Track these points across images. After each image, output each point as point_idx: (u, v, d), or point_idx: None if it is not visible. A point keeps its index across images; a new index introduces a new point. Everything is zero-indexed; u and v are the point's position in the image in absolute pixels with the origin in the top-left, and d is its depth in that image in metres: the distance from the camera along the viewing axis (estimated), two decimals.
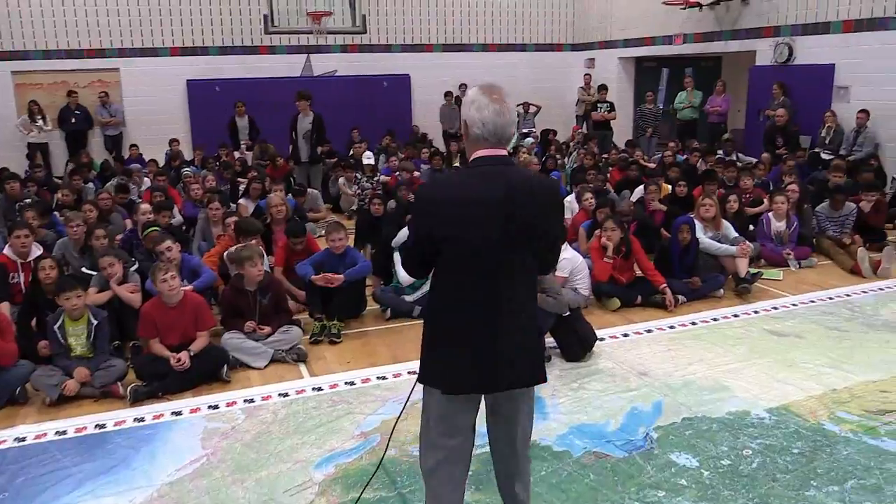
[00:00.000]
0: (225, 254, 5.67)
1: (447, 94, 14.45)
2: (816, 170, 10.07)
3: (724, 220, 6.63)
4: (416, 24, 15.02)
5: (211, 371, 4.54)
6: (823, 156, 10.39)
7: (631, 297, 5.85)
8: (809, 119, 10.92)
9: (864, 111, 10.03)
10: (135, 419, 4.10)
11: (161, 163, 11.36)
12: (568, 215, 7.51)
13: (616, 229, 5.89)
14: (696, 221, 6.40)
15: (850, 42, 10.40)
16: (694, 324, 5.52)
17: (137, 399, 4.26)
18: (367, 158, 9.62)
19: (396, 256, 5.76)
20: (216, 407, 4.23)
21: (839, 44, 10.56)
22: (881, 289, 6.28)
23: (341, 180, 9.69)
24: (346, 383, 4.54)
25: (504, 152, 2.39)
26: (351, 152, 12.22)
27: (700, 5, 12.49)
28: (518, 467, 2.70)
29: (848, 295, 6.13)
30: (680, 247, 6.06)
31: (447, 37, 15.37)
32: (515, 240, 2.34)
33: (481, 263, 2.34)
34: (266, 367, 4.78)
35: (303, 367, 4.80)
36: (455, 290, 2.39)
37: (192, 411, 4.19)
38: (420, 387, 2.60)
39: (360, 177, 9.21)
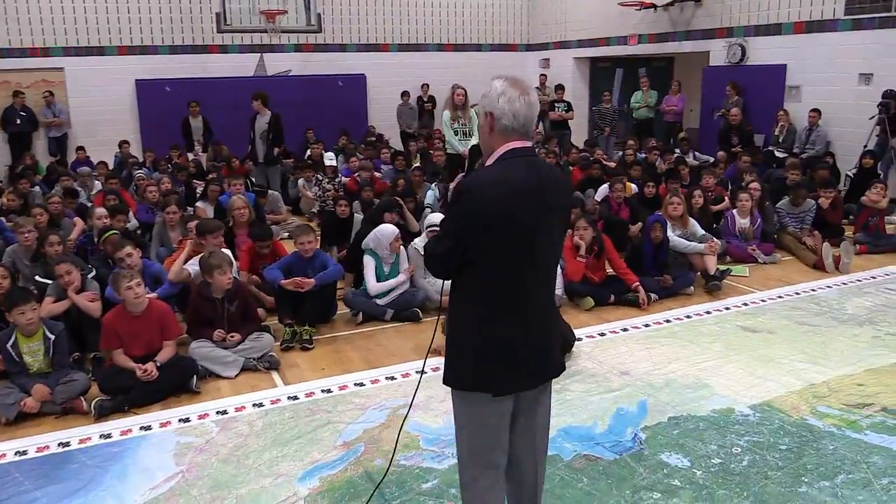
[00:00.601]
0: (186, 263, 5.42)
1: (404, 94, 14.32)
2: (771, 168, 10.28)
3: (690, 218, 6.68)
4: (372, 23, 14.84)
5: (179, 382, 4.33)
6: (777, 154, 10.61)
7: (604, 295, 5.83)
8: (762, 118, 11.15)
9: (816, 110, 10.28)
10: (101, 435, 3.87)
11: (111, 165, 10.93)
12: None
13: (588, 228, 5.86)
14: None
15: (801, 43, 10.64)
16: (668, 321, 5.53)
17: (103, 414, 4.03)
18: (329, 160, 9.44)
19: (367, 259, 5.62)
20: (187, 420, 4.03)
21: (790, 45, 10.81)
22: (843, 283, 6.40)
23: (301, 182, 9.49)
24: (322, 391, 4.38)
25: (531, 144, 2.33)
26: (308, 153, 12.00)
27: (655, 6, 12.64)
28: (537, 489, 2.59)
29: (813, 290, 6.23)
30: (652, 245, 6.07)
31: (403, 37, 15.24)
32: (551, 229, 2.35)
33: (527, 254, 2.29)
34: (237, 376, 4.59)
35: (276, 376, 4.62)
36: (501, 286, 2.29)
37: (163, 425, 3.98)
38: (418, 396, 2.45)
39: (321, 178, 9.01)
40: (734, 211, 7.25)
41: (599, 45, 14.90)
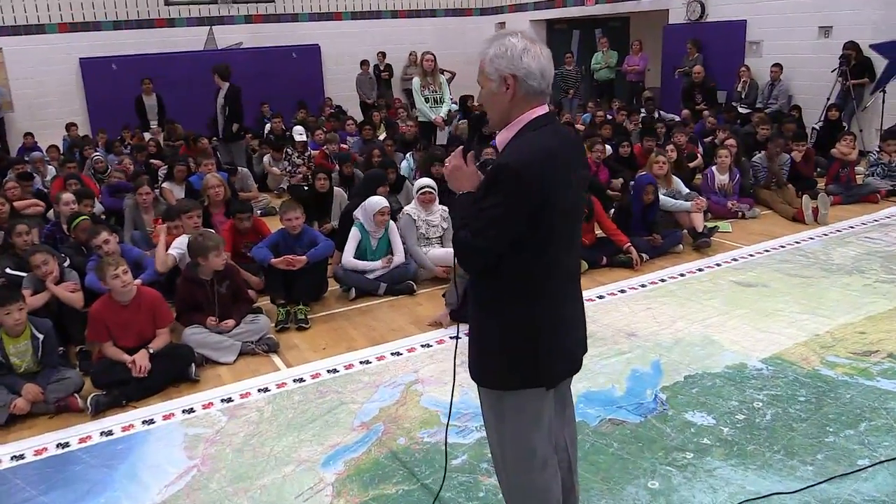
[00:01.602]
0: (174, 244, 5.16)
1: (363, 63, 13.99)
2: (735, 124, 10.36)
3: (674, 177, 6.67)
4: None
5: (177, 371, 4.13)
6: (741, 110, 10.69)
7: (596, 258, 5.78)
8: (724, 74, 11.21)
9: (777, 65, 10.37)
10: (101, 433, 3.66)
11: (61, 149, 10.40)
12: None
13: None
14: None
15: None
16: (663, 280, 5.52)
17: (99, 410, 3.81)
18: (299, 135, 9.13)
19: (353, 231, 5.45)
20: (192, 410, 3.85)
21: (750, 0, 10.83)
22: (825, 234, 6.49)
23: (266, 158, 9.19)
24: (328, 371, 4.23)
25: (550, 107, 2.15)
26: (268, 128, 11.65)
27: None
28: (572, 464, 2.48)
29: (797, 242, 6.30)
30: (642, 205, 6.04)
31: (356, 4, 14.82)
32: (581, 198, 2.21)
33: (568, 231, 2.11)
34: (235, 361, 4.41)
35: (276, 358, 4.45)
36: (548, 270, 2.08)
37: (166, 418, 3.79)
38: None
39: (290, 153, 8.72)
40: (713, 168, 7.27)
41: (556, 7, 14.77)
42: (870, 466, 3.08)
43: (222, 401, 3.94)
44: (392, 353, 4.44)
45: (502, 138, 2.10)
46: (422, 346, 4.55)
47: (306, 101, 13.25)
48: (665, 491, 2.98)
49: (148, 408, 3.89)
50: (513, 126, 2.07)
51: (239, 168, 7.91)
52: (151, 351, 4.05)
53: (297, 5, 14.16)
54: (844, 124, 9.12)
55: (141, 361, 3.95)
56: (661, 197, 6.24)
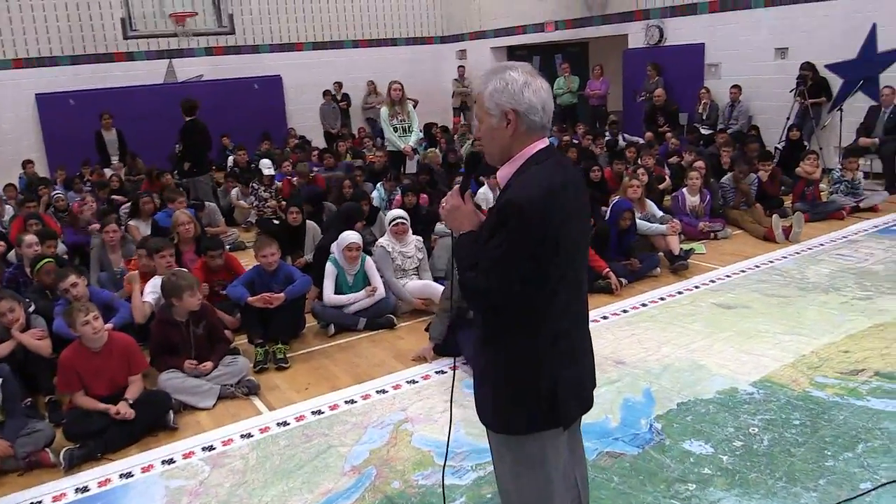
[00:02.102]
0: (149, 284, 4.99)
1: (326, 93, 13.95)
2: (699, 145, 10.52)
3: (647, 200, 6.71)
4: (284, 22, 14.36)
5: (154, 419, 3.95)
6: (703, 131, 10.87)
7: None
8: (685, 96, 11.42)
9: (737, 86, 10.59)
10: (77, 489, 3.47)
11: (18, 187, 10.07)
12: (486, 208, 7.36)
13: None
14: None
15: (717, 21, 10.95)
16: (644, 305, 5.51)
17: (73, 464, 3.61)
18: (267, 168, 8.99)
19: (329, 267, 5.33)
20: (172, 461, 3.67)
21: (707, 23, 11.10)
22: (796, 252, 6.57)
23: (234, 191, 9.02)
24: (313, 413, 4.09)
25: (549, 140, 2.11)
26: (231, 160, 11.49)
27: None
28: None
29: (771, 261, 6.36)
30: (619, 230, 6.04)
31: (317, 34, 14.81)
32: (587, 233, 2.15)
33: (577, 267, 2.07)
34: (214, 405, 4.24)
35: (257, 401, 4.29)
36: (559, 308, 2.01)
37: (145, 470, 3.61)
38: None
39: (256, 186, 8.58)
40: (684, 190, 7.34)
41: (516, 34, 14.94)
42: (873, 490, 3.06)
43: (203, 449, 3.77)
44: (377, 391, 4.32)
45: (504, 174, 2.04)
46: (407, 382, 4.43)
47: (270, 132, 13.12)
48: None
49: (125, 460, 3.70)
50: (515, 161, 2.02)
51: (206, 203, 7.73)
52: (130, 402, 3.87)
53: (258, 36, 14.09)
54: (805, 143, 9.32)
55: (123, 410, 3.77)
56: (638, 221, 6.25)
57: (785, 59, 10.13)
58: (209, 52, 13.54)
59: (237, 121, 13.09)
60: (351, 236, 5.25)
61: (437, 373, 4.54)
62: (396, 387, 4.37)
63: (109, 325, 4.33)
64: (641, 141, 11.11)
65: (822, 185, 8.44)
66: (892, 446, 3.37)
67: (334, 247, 5.33)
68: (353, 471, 3.47)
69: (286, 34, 14.39)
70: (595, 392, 3.56)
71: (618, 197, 6.72)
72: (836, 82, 9.62)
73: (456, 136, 12.69)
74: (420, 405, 4.11)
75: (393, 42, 15.84)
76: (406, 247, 5.71)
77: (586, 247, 2.15)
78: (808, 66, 9.57)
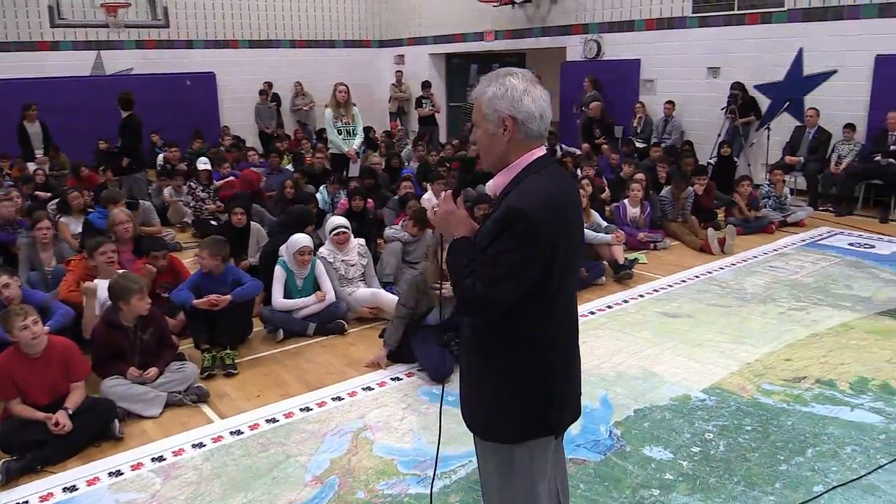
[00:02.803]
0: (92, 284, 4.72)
1: (262, 93, 13.64)
2: (634, 158, 10.81)
3: (591, 210, 6.83)
4: (220, 18, 13.97)
5: (98, 429, 3.74)
6: (637, 144, 11.17)
7: None
8: (621, 110, 11.71)
9: (670, 102, 10.94)
10: None
11: None
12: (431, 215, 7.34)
13: None
14: None
15: (654, 39, 11.28)
16: (593, 313, 5.59)
17: (11, 478, 3.37)
18: (203, 164, 8.70)
19: (278, 271, 5.19)
20: (119, 473, 3.47)
21: (644, 40, 11.42)
22: (733, 264, 6.82)
23: (167, 190, 8.70)
24: (267, 421, 3.96)
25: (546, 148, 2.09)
26: (161, 158, 11.09)
27: (513, 3, 12.88)
28: None
29: (709, 272, 6.58)
30: None
31: (253, 32, 14.48)
32: (582, 241, 2.15)
33: (572, 274, 2.07)
34: (161, 414, 4.05)
35: (207, 409, 4.12)
36: (556, 316, 2.02)
37: (90, 483, 3.40)
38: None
39: (194, 186, 8.29)
40: (625, 201, 7.51)
41: (455, 41, 15.01)
42: (825, 493, 3.18)
43: (153, 459, 3.59)
44: (333, 399, 4.22)
45: (499, 182, 2.02)
46: (363, 389, 4.35)
47: (202, 129, 12.75)
48: None
49: (68, 472, 3.48)
50: (511, 169, 2.00)
51: (140, 202, 7.42)
52: (70, 411, 3.65)
53: (192, 31, 13.67)
54: (736, 159, 9.70)
55: (62, 420, 3.55)
56: (585, 231, 6.34)
57: (717, 78, 10.53)
58: (140, 45, 13.03)
59: (168, 118, 12.65)
60: (303, 240, 5.13)
61: (392, 380, 4.48)
62: (352, 394, 4.28)
63: (46, 329, 4.07)
64: (578, 152, 11.33)
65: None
66: (838, 451, 3.52)
67: (283, 250, 5.20)
68: (314, 481, 3.37)
69: (221, 31, 14.01)
70: None
71: None
72: (764, 102, 10.05)
73: (395, 141, 12.64)
74: (378, 413, 4.04)
75: (331, 44, 15.65)
76: (348, 255, 5.61)
77: (580, 257, 2.15)
78: (738, 86, 9.97)
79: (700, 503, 3.13)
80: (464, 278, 1.92)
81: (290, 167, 10.04)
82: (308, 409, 4.09)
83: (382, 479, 3.38)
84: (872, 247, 7.29)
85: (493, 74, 2.01)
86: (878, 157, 8.52)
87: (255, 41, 14.49)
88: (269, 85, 14.06)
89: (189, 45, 13.66)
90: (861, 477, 3.29)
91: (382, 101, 15.72)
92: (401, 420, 3.94)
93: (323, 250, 5.58)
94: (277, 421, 3.96)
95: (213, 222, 7.90)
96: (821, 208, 8.94)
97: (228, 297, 4.76)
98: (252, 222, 6.42)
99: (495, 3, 13.09)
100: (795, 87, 9.66)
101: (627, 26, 11.65)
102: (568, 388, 2.11)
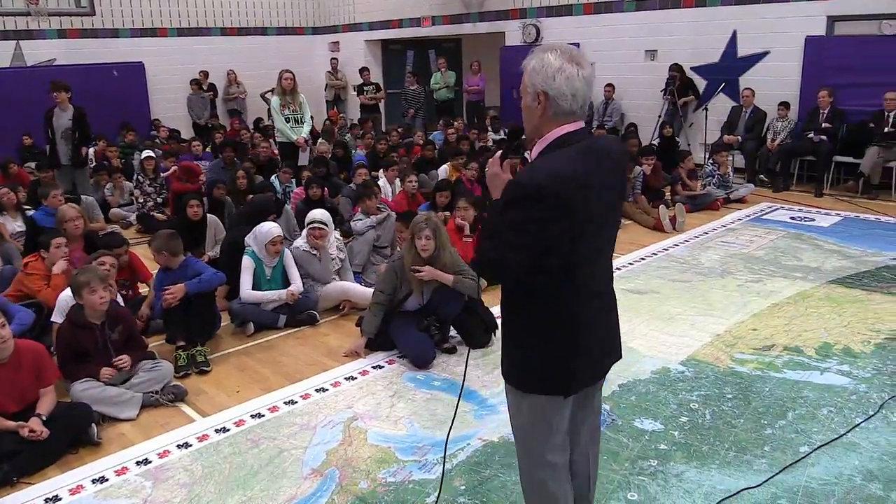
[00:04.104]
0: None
1: (195, 82, 13.19)
2: None
3: None
4: (147, 6, 13.39)
5: (74, 435, 3.56)
6: None
7: None
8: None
9: (610, 85, 11.14)
10: None
11: None
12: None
13: (469, 208, 5.81)
14: None
15: (592, 23, 11.46)
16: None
17: None
18: (147, 155, 8.35)
19: (246, 261, 5.05)
20: (104, 479, 3.32)
21: (582, 24, 11.58)
22: (686, 241, 7.02)
23: (108, 186, 8.33)
24: (252, 416, 3.85)
25: (584, 124, 2.11)
26: (90, 152, 10.57)
27: None
28: (591, 482, 2.50)
29: (666, 249, 6.75)
30: None
31: (182, 20, 13.97)
32: (614, 209, 2.18)
33: (597, 244, 2.10)
34: (138, 415, 3.88)
35: (186, 408, 3.98)
36: (574, 282, 2.06)
37: (74, 492, 3.24)
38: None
39: (141, 180, 7.95)
40: None
41: (391, 28, 14.87)
42: (811, 452, 3.32)
43: (138, 463, 3.44)
44: (317, 390, 4.14)
45: (533, 152, 2.10)
46: (346, 378, 4.29)
47: (132, 121, 12.22)
48: (646, 501, 3.02)
49: (48, 482, 3.30)
50: (543, 140, 2.07)
51: (83, 197, 7.07)
52: (44, 417, 3.46)
53: (118, 20, 13.07)
54: (678, 140, 9.97)
55: (37, 427, 3.36)
56: None
57: (654, 60, 10.78)
58: (62, 34, 12.36)
59: (95, 110, 11.97)
60: (275, 229, 5.00)
61: (374, 367, 4.43)
62: (336, 384, 4.21)
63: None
64: (523, 136, 11.44)
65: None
66: (816, 413, 3.69)
67: (251, 240, 5.05)
68: (313, 474, 3.30)
69: (149, 18, 13.44)
70: None
71: None
72: (701, 83, 10.35)
73: (336, 129, 12.45)
74: (366, 401, 3.99)
75: (263, 31, 15.25)
76: (328, 248, 5.47)
77: (608, 229, 2.17)
78: (676, 68, 10.24)
79: (698, 470, 3.22)
80: (486, 239, 2.03)
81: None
82: (293, 402, 4.00)
83: (383, 467, 3.34)
84: (812, 220, 7.63)
85: (540, 48, 2.08)
86: (811, 134, 8.91)
87: (185, 29, 13.98)
88: (205, 74, 13.62)
89: (115, 33, 13.06)
90: (842, 436, 3.45)
91: (318, 88, 15.45)
92: (391, 408, 3.90)
93: (299, 242, 5.44)
94: (263, 416, 3.86)
95: (159, 217, 7.61)
96: (758, 183, 9.30)
97: (181, 286, 4.54)
98: (209, 214, 6.22)
99: None
100: (730, 68, 9.99)
101: (566, 10, 11.79)
102: (580, 350, 2.14)
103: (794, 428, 3.55)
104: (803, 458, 3.29)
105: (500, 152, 2.19)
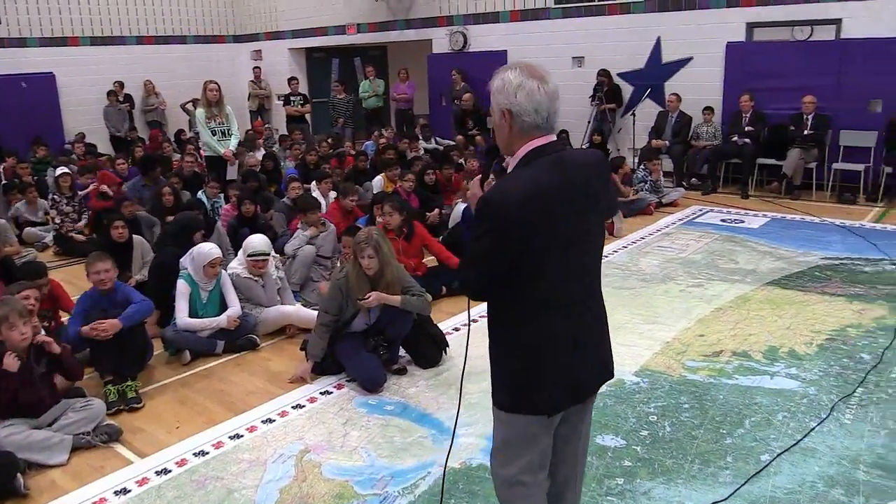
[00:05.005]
0: None
1: (112, 94, 12.58)
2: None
3: None
4: (57, 14, 12.70)
5: None
6: None
7: (437, 288, 5.70)
8: (489, 101, 11.82)
9: None
10: None
11: None
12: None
13: (394, 213, 5.70)
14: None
15: (519, 30, 11.51)
16: (469, 317, 5.57)
17: None
18: (60, 170, 7.84)
19: (181, 285, 4.76)
20: None
21: (509, 31, 11.62)
22: (624, 246, 7.09)
23: (19, 205, 7.80)
24: (195, 455, 3.60)
25: (555, 138, 2.09)
26: (1, 170, 9.94)
27: None
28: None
29: (606, 255, 6.77)
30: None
31: (95, 28, 13.32)
32: (588, 223, 2.13)
33: (570, 258, 2.06)
34: (69, 460, 3.58)
35: (122, 449, 3.69)
36: (543, 297, 2.05)
37: None
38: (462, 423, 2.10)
39: (58, 199, 7.46)
40: None
41: (316, 35, 14.60)
42: (773, 461, 3.34)
43: None
44: (263, 422, 3.92)
45: (509, 170, 2.11)
46: (293, 407, 4.08)
47: (44, 135, 11.55)
48: None
49: None
50: (515, 157, 2.09)
51: None
52: None
53: (25, 28, 12.35)
54: (609, 147, 10.11)
55: None
56: None
57: (581, 67, 10.91)
58: None
59: (1, 125, 11.37)
60: (214, 250, 4.74)
61: (322, 393, 4.23)
62: (283, 414, 4.00)
63: None
64: (453, 143, 11.38)
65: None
66: (771, 419, 3.72)
67: (187, 262, 4.77)
68: None
69: (59, 27, 12.75)
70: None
71: (460, 200, 6.80)
72: (628, 89, 10.54)
73: (261, 141, 12.09)
74: (317, 431, 3.80)
75: (182, 39, 14.71)
76: (270, 273, 5.23)
77: (582, 243, 2.12)
78: (604, 73, 10.39)
79: (664, 486, 3.18)
80: (465, 256, 2.11)
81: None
82: (239, 436, 3.77)
83: (342, 503, 3.17)
84: (742, 221, 7.84)
85: (502, 67, 2.10)
86: (735, 138, 9.17)
87: (98, 38, 13.34)
88: (121, 85, 13.01)
89: (23, 42, 12.33)
90: (798, 442, 3.49)
91: (240, 98, 15.01)
92: (344, 437, 3.72)
93: (234, 265, 5.16)
94: (208, 453, 3.62)
95: (78, 237, 7.17)
96: (687, 187, 9.50)
97: (117, 322, 4.24)
98: (135, 235, 5.87)
99: None
100: (656, 74, 10.20)
101: (492, 18, 11.81)
102: (566, 371, 2.13)
103: (752, 436, 3.56)
104: (765, 466, 3.29)
105: (479, 176, 2.21)
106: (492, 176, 2.21)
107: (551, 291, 2.07)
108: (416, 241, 5.88)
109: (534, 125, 2.03)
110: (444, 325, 5.13)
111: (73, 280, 5.96)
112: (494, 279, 2.03)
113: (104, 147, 12.37)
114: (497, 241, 1.97)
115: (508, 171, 2.08)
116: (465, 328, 5.17)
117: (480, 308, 5.39)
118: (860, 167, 8.60)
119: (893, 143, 8.27)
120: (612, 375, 2.33)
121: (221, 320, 4.73)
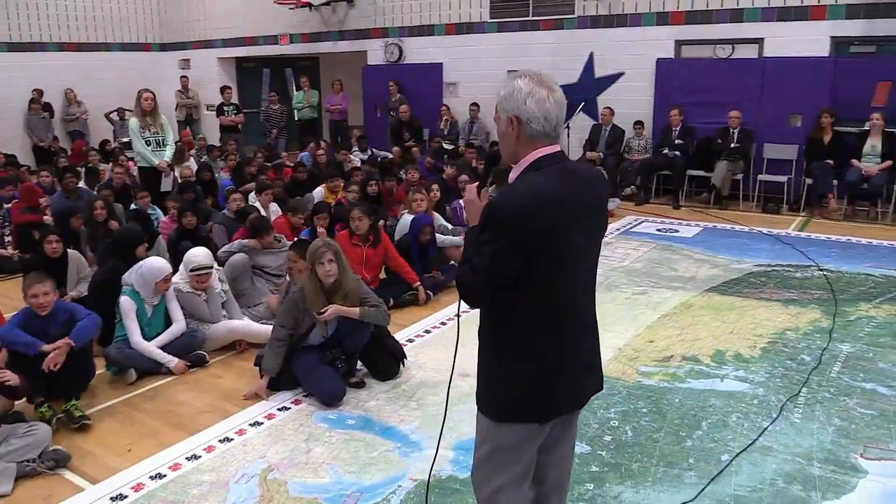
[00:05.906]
0: None
1: (34, 102, 11.99)
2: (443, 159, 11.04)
3: (435, 212, 6.85)
4: None
5: None
6: (445, 145, 11.43)
7: (385, 299, 5.64)
8: (426, 113, 11.91)
9: (476, 104, 11.34)
10: None
11: None
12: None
13: (363, 217, 5.66)
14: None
15: (454, 43, 11.64)
16: (459, 316, 5.58)
17: None
18: None
19: (126, 303, 4.55)
20: None
21: (445, 44, 11.73)
22: None
23: None
24: (151, 478, 3.44)
25: (559, 148, 2.10)
26: None
27: (311, 6, 12.56)
28: None
29: None
30: (418, 244, 6.08)
31: (13, 34, 12.70)
32: (590, 233, 2.15)
33: (567, 268, 2.06)
34: (13, 489, 3.36)
35: (70, 475, 3.49)
36: (543, 306, 2.05)
37: None
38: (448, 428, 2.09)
39: None
40: (461, 201, 7.62)
41: (246, 45, 14.35)
42: (732, 461, 3.45)
43: None
44: (221, 441, 3.78)
45: (512, 176, 2.12)
46: (251, 424, 3.96)
47: None
48: None
49: None
50: (520, 165, 2.09)
51: None
52: None
53: None
54: None
55: None
56: (438, 235, 6.36)
57: None
58: None
59: None
60: (166, 266, 4.57)
61: (280, 410, 4.13)
62: (241, 432, 3.88)
63: None
64: (390, 155, 11.34)
65: None
66: (727, 420, 3.85)
67: (132, 278, 4.57)
68: None
69: None
70: (456, 409, 3.54)
71: (405, 211, 6.79)
72: None
73: (193, 152, 11.76)
74: (278, 448, 3.70)
75: (106, 47, 14.20)
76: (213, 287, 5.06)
77: (586, 254, 2.14)
78: None
79: (633, 490, 3.24)
80: (463, 263, 2.09)
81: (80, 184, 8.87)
82: (197, 457, 3.63)
83: None
84: (676, 231, 8.12)
85: (511, 76, 2.13)
86: (666, 150, 9.50)
87: (16, 44, 12.74)
88: (40, 93, 12.43)
89: None
90: (754, 441, 3.62)
91: (167, 108, 14.55)
92: (307, 453, 3.63)
93: (177, 279, 4.97)
94: (164, 476, 3.46)
95: (3, 253, 6.79)
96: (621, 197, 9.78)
97: (68, 340, 4.05)
98: (69, 251, 5.59)
99: (292, 6, 12.67)
100: (589, 88, 10.47)
101: (428, 30, 11.89)
102: (560, 380, 2.12)
103: (710, 437, 3.67)
104: (726, 466, 3.40)
105: (477, 183, 2.20)
106: (492, 186, 2.24)
107: (558, 300, 2.07)
108: (380, 250, 5.82)
109: (542, 133, 2.04)
110: (400, 336, 5.10)
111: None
112: (500, 285, 2.01)
113: (25, 158, 11.78)
114: (507, 245, 1.96)
115: (511, 180, 2.08)
116: (418, 339, 5.15)
117: (442, 315, 5.46)
118: (783, 178, 9.06)
119: (812, 156, 8.74)
120: (602, 387, 2.32)
121: (172, 364, 4.56)
